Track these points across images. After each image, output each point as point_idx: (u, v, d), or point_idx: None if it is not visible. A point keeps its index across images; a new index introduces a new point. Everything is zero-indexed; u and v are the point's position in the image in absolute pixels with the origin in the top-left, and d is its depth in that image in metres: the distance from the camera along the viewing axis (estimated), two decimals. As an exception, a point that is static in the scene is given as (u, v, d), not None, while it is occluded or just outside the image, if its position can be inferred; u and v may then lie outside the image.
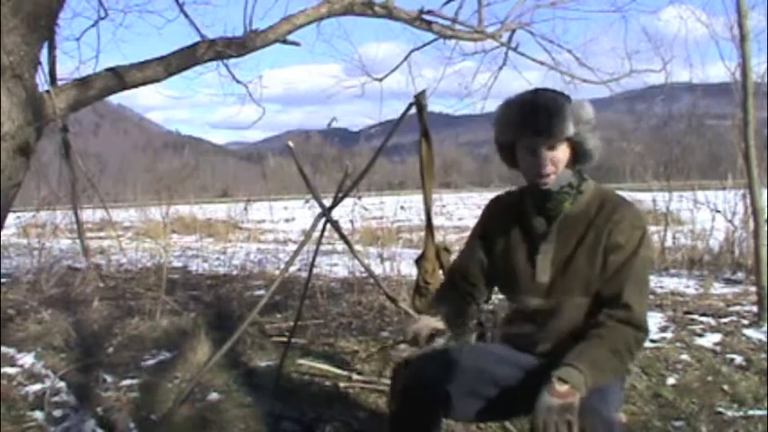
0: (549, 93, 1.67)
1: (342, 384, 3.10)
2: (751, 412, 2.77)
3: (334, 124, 3.75)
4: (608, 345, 1.58)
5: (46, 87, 3.29)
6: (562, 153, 1.66)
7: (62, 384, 3.11)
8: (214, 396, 2.99)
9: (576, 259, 1.69)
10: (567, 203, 1.71)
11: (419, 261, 3.16)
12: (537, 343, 1.75)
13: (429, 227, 3.09)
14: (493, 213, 1.88)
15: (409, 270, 4.98)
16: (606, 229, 1.66)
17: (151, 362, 3.54)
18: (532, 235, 1.76)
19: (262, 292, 5.05)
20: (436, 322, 1.78)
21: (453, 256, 2.32)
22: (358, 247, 5.09)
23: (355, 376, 3.20)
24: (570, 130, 1.63)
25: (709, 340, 3.67)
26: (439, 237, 6.41)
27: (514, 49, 5.58)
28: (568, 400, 1.44)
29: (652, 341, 3.67)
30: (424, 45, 5.60)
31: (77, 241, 6.44)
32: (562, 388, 1.45)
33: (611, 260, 1.65)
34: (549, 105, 1.63)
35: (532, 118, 1.63)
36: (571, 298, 1.70)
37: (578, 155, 1.69)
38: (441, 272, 3.10)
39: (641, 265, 1.66)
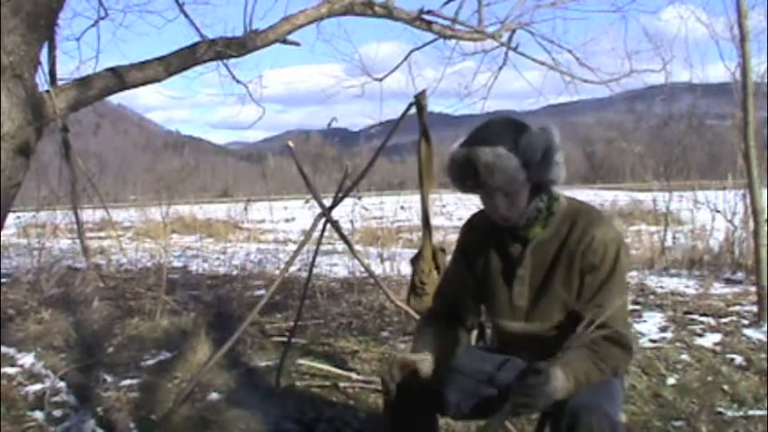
0: (488, 148, 1.56)
1: (342, 384, 3.10)
2: (751, 412, 2.77)
3: (334, 124, 3.75)
4: (598, 364, 1.59)
5: (46, 87, 3.30)
6: (520, 195, 1.62)
7: (62, 384, 3.11)
8: (214, 396, 2.99)
9: (552, 283, 1.69)
10: (538, 228, 1.70)
11: (415, 261, 3.16)
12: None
13: (426, 227, 3.09)
14: (471, 236, 1.86)
15: (410, 270, 4.97)
16: (579, 250, 1.65)
17: (151, 362, 3.54)
18: (509, 259, 1.76)
19: (262, 292, 5.05)
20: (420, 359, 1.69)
21: (449, 257, 2.31)
22: (358, 247, 5.09)
23: (355, 376, 3.20)
24: (520, 177, 1.57)
25: (709, 340, 3.67)
26: (439, 237, 6.43)
27: (514, 49, 5.57)
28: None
29: (652, 341, 3.68)
30: (424, 45, 5.59)
31: (77, 241, 6.43)
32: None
33: (588, 281, 1.65)
34: (490, 162, 1.55)
35: (473, 177, 1.59)
36: (549, 322, 1.70)
37: (540, 187, 1.65)
38: (436, 272, 3.11)
39: (620, 280, 1.65)
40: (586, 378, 1.57)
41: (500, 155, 1.55)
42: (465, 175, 1.61)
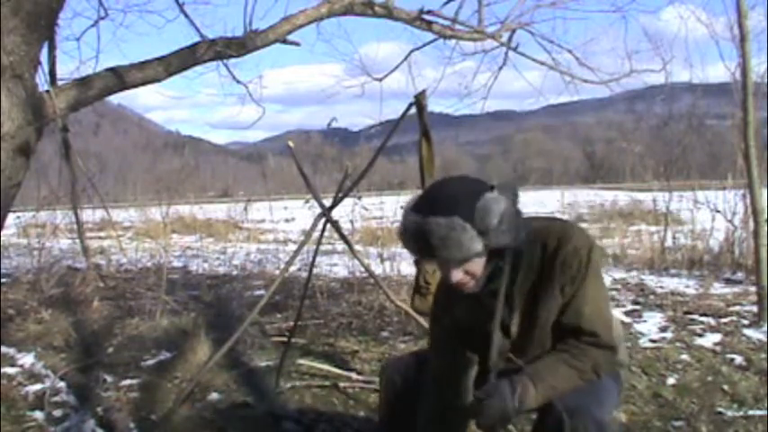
0: (442, 219, 1.48)
1: (342, 384, 3.10)
2: (751, 412, 2.77)
3: (334, 124, 3.75)
4: (577, 366, 1.59)
5: (46, 87, 3.30)
6: (476, 263, 1.55)
7: (62, 384, 3.11)
8: (214, 396, 2.99)
9: (541, 310, 1.64)
10: (503, 279, 1.63)
11: (419, 261, 3.15)
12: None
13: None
14: (447, 302, 1.78)
15: (410, 270, 4.97)
16: (555, 269, 1.61)
17: (151, 362, 3.54)
18: (494, 311, 1.67)
19: (262, 292, 5.04)
20: None
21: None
22: (358, 247, 5.09)
23: (355, 376, 3.20)
24: (475, 248, 1.50)
25: (709, 340, 3.67)
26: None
27: (514, 49, 5.58)
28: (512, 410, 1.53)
29: (652, 341, 3.68)
30: (424, 45, 5.60)
31: (77, 241, 6.43)
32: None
33: (567, 291, 1.62)
34: (444, 234, 1.48)
35: (426, 248, 1.52)
36: (544, 343, 1.66)
37: (501, 250, 1.57)
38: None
39: (594, 283, 1.62)
40: (565, 382, 1.57)
41: (454, 227, 1.48)
42: (418, 245, 1.54)
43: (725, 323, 3.99)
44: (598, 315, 1.62)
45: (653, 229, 7.47)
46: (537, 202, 14.06)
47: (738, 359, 3.37)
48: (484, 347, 1.70)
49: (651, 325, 3.99)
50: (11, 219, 5.03)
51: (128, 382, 3.20)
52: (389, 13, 4.66)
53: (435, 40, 5.36)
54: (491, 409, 1.53)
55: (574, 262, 1.60)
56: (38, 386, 3.09)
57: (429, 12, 4.89)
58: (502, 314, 1.66)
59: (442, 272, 1.59)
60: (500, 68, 5.94)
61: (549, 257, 1.62)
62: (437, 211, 1.50)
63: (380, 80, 6.05)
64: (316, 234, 3.19)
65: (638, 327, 3.94)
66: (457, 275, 1.55)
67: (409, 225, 1.55)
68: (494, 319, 1.66)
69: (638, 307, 4.46)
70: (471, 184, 1.58)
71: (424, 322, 3.19)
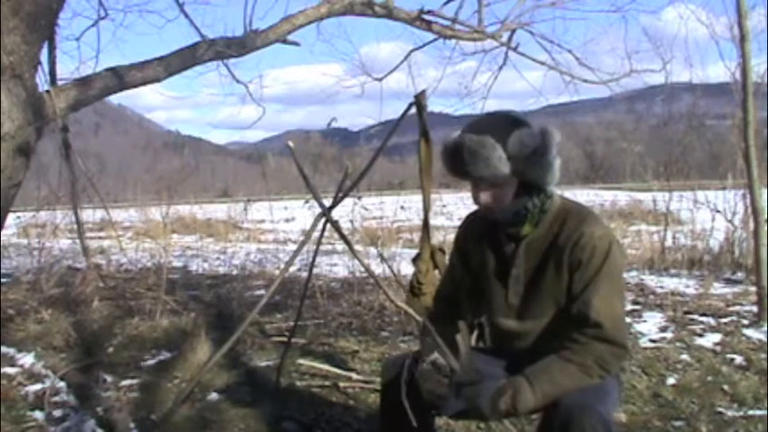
0: (475, 136, 1.59)
1: (342, 384, 3.10)
2: (751, 412, 2.77)
3: (334, 124, 3.74)
4: (576, 360, 1.59)
5: (46, 87, 3.31)
6: (504, 188, 1.64)
7: (62, 384, 3.11)
8: (214, 396, 2.99)
9: (544, 281, 1.69)
10: (527, 226, 1.70)
11: (416, 261, 3.16)
12: (517, 362, 1.75)
13: (426, 227, 3.09)
14: (467, 234, 1.89)
15: (410, 270, 4.97)
16: (568, 247, 1.64)
17: (151, 362, 3.54)
18: (503, 258, 1.77)
19: (262, 292, 5.05)
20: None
21: (448, 257, 2.32)
22: (358, 247, 5.09)
23: (355, 376, 3.20)
24: (502, 169, 1.58)
25: (709, 340, 3.67)
26: (439, 237, 6.44)
27: (514, 49, 5.59)
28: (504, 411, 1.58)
29: (652, 341, 3.68)
30: (424, 45, 5.62)
31: (77, 241, 6.42)
32: (507, 402, 1.57)
33: (576, 278, 1.64)
34: (474, 149, 1.57)
35: (458, 163, 1.62)
36: (542, 320, 1.71)
37: (527, 184, 1.65)
38: (436, 272, 3.11)
39: (609, 278, 1.63)
40: (567, 378, 1.57)
41: (485, 144, 1.57)
42: (452, 161, 1.64)
43: (725, 323, 3.99)
44: (607, 309, 1.61)
45: (653, 229, 7.47)
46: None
47: (738, 359, 3.37)
48: (486, 294, 1.80)
49: (651, 325, 3.99)
50: (11, 219, 5.03)
51: (128, 382, 3.20)
52: (389, 13, 4.67)
53: (435, 40, 5.37)
54: (475, 401, 1.61)
55: (586, 248, 1.62)
56: (38, 386, 3.09)
57: (429, 12, 4.89)
58: (507, 262, 1.74)
59: (472, 192, 1.68)
60: (500, 68, 5.96)
61: (564, 235, 1.66)
62: (474, 130, 1.61)
63: (380, 80, 6.06)
64: (316, 234, 3.18)
65: (638, 327, 3.94)
66: (484, 197, 1.64)
67: (447, 143, 1.66)
68: (503, 267, 1.75)
69: (638, 307, 4.45)
70: (516, 117, 1.66)
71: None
